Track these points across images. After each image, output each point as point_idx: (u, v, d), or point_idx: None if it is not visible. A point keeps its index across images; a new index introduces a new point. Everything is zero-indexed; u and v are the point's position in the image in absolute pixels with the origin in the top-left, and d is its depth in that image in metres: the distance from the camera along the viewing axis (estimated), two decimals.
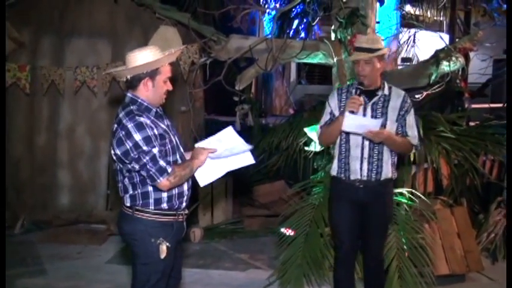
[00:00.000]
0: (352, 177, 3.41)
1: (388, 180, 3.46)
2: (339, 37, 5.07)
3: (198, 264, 4.90)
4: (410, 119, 3.40)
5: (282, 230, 4.79)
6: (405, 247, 4.14)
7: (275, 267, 4.58)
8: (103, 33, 6.00)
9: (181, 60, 5.50)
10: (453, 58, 5.28)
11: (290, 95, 10.27)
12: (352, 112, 3.24)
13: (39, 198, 5.99)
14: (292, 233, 4.64)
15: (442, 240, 4.51)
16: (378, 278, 3.64)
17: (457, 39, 6.36)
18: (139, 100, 2.68)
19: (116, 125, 2.63)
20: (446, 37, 7.23)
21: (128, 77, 2.68)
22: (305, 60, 5.45)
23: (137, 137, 2.55)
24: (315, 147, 5.12)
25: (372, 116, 3.35)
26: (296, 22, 7.10)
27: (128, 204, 2.71)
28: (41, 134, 6.02)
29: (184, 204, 2.81)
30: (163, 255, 2.66)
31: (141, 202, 2.68)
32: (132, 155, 2.57)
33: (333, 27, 5.23)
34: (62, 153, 6.06)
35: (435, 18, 8.14)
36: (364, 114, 3.35)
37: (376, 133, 3.22)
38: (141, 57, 2.64)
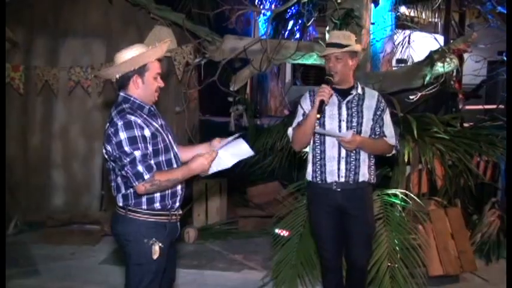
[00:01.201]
0: (328, 180, 3.31)
1: (367, 184, 3.38)
2: None
3: (192, 264, 4.89)
4: (387, 118, 3.37)
5: (276, 230, 4.79)
6: (397, 248, 4.14)
7: (269, 267, 4.57)
8: (97, 34, 5.99)
9: (176, 60, 5.51)
10: (447, 59, 5.30)
11: (285, 95, 10.28)
12: (322, 102, 3.17)
13: (32, 198, 5.98)
14: (286, 234, 4.64)
15: (436, 240, 4.53)
16: None
17: (451, 41, 6.38)
18: (132, 98, 2.67)
19: (107, 123, 2.64)
20: (440, 38, 7.26)
21: (117, 76, 2.67)
22: (299, 61, 5.46)
23: (123, 135, 2.53)
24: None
25: (348, 115, 3.30)
26: (291, 23, 7.11)
27: (121, 204, 2.70)
28: (34, 134, 6.01)
29: (177, 204, 2.80)
30: (155, 256, 2.65)
31: (133, 201, 2.66)
32: (115, 153, 2.57)
33: (327, 28, 5.24)
34: (55, 154, 6.06)
35: (430, 19, 8.16)
36: (340, 113, 3.30)
37: (348, 141, 3.17)
38: (127, 55, 2.63)
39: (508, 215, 4.22)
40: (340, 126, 3.30)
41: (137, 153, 2.54)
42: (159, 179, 2.57)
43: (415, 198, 4.59)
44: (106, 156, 2.67)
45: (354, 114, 3.31)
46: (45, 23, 5.96)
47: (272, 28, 6.72)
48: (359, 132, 3.29)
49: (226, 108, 6.75)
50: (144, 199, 2.66)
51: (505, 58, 6.34)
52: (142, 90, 2.69)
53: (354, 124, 3.30)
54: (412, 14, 8.07)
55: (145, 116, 2.67)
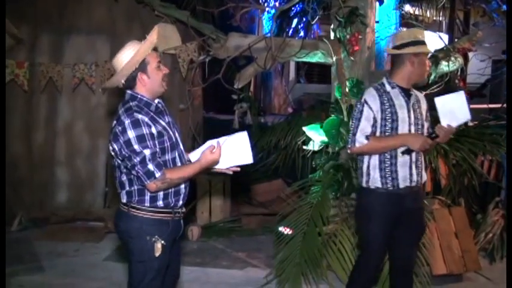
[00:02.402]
0: (401, 186, 3.16)
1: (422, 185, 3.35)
2: (338, 36, 5.07)
3: (195, 262, 4.90)
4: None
5: (280, 228, 4.80)
6: None
7: (273, 265, 4.58)
8: (102, 30, 5.99)
9: (180, 58, 5.52)
10: (452, 58, 5.28)
11: (289, 93, 10.28)
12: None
13: (36, 195, 6.00)
14: (290, 232, 4.64)
15: (440, 240, 4.52)
16: None
17: (456, 40, 6.37)
18: (139, 96, 2.68)
19: (114, 121, 2.64)
20: (445, 37, 7.24)
21: (123, 81, 2.69)
22: (304, 59, 5.45)
23: (131, 134, 2.53)
24: (314, 146, 5.12)
25: (414, 117, 3.19)
26: (295, 21, 7.11)
27: (124, 201, 2.70)
28: (38, 131, 6.02)
29: (180, 202, 2.79)
30: (157, 253, 2.65)
31: (136, 198, 2.66)
32: (123, 152, 2.56)
33: (332, 26, 5.23)
34: (59, 151, 6.07)
35: (434, 18, 8.14)
36: (409, 117, 3.17)
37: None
38: (125, 57, 2.65)
39: (508, 214, 4.22)
40: (409, 130, 3.18)
41: (147, 152, 2.54)
42: (171, 177, 2.59)
43: None
44: (113, 154, 2.67)
45: (418, 117, 3.22)
46: (49, 19, 5.97)
47: (276, 26, 6.71)
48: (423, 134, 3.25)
49: (230, 106, 6.75)
50: (147, 197, 2.66)
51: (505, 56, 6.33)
52: (150, 84, 2.70)
53: (419, 127, 3.22)
54: (416, 12, 8.04)
55: (152, 113, 2.66)
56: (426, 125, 3.29)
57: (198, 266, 4.82)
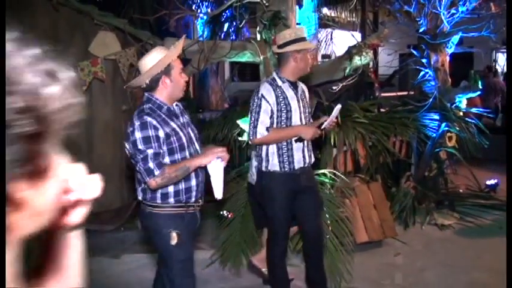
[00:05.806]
0: (296, 167, 3.25)
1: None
2: (264, 37, 5.09)
3: (145, 249, 4.75)
4: None
5: (221, 212, 4.78)
6: (328, 221, 4.23)
7: (216, 247, 4.56)
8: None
9: (120, 62, 5.36)
10: (364, 53, 5.44)
11: (224, 91, 10.25)
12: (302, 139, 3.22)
13: None
14: (230, 215, 4.64)
15: (361, 212, 4.65)
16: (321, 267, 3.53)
17: (367, 37, 6.54)
18: (153, 98, 2.64)
19: (129, 123, 2.63)
20: (358, 35, 7.43)
21: (147, 81, 2.64)
22: (234, 59, 5.45)
23: (138, 135, 2.52)
24: (247, 137, 5.12)
25: (302, 107, 3.26)
26: (226, 25, 7.07)
27: (140, 198, 2.68)
28: None
29: (193, 198, 2.71)
30: (173, 242, 2.58)
31: (149, 196, 2.63)
32: (131, 151, 2.57)
33: (258, 28, 5.24)
34: None
35: (348, 19, 8.34)
36: (299, 106, 3.24)
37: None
38: (151, 59, 2.61)
39: (508, 214, 4.23)
40: (301, 119, 3.25)
41: (150, 151, 2.52)
42: (169, 171, 2.53)
43: (342, 176, 4.69)
44: (128, 153, 2.64)
45: (306, 106, 3.29)
46: None
47: (209, 30, 6.65)
48: (309, 121, 3.34)
49: None
50: (158, 194, 2.61)
51: (414, 51, 6.56)
52: (171, 88, 2.65)
53: (306, 115, 3.30)
54: (333, 14, 8.22)
55: (163, 116, 2.62)
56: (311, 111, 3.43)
57: (147, 252, 4.70)
